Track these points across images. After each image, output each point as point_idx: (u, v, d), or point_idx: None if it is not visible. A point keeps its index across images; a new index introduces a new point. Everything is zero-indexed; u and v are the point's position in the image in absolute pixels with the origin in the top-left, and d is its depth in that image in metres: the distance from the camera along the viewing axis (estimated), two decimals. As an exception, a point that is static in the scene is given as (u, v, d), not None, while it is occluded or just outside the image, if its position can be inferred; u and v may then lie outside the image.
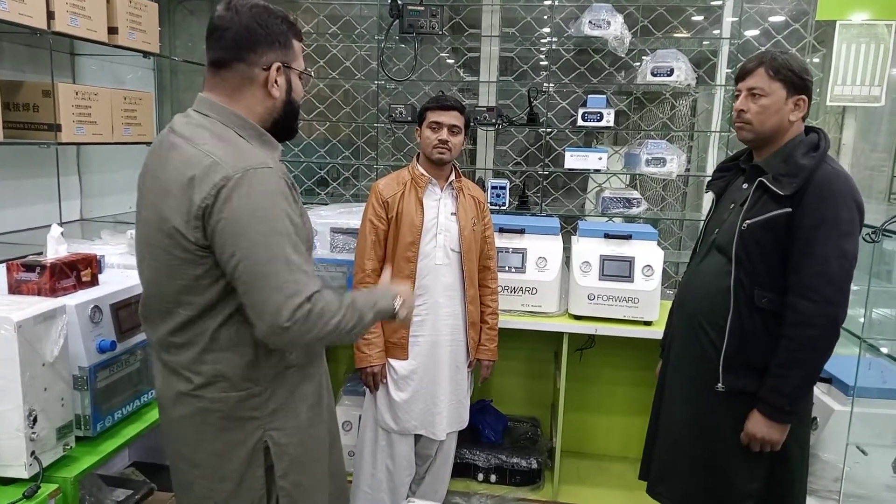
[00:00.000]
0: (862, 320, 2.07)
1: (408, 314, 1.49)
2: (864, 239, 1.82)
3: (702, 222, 1.96)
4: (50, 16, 2.19)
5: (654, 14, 3.24)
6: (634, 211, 3.15)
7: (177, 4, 3.49)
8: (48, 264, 1.60)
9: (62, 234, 1.72)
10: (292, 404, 1.36)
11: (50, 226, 1.74)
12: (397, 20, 3.03)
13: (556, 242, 2.80)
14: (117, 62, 3.01)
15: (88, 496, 1.85)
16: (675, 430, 1.90)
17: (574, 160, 3.12)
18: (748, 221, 1.68)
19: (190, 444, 1.34)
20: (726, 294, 1.72)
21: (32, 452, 1.41)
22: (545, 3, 3.27)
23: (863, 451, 2.12)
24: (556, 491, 2.86)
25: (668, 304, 2.07)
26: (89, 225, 2.87)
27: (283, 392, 1.34)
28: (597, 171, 3.17)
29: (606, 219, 3.28)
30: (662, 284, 2.72)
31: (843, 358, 2.20)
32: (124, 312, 1.71)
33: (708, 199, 3.46)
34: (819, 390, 2.30)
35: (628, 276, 2.68)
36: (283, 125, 1.36)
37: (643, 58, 3.14)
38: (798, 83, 1.67)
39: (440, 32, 3.02)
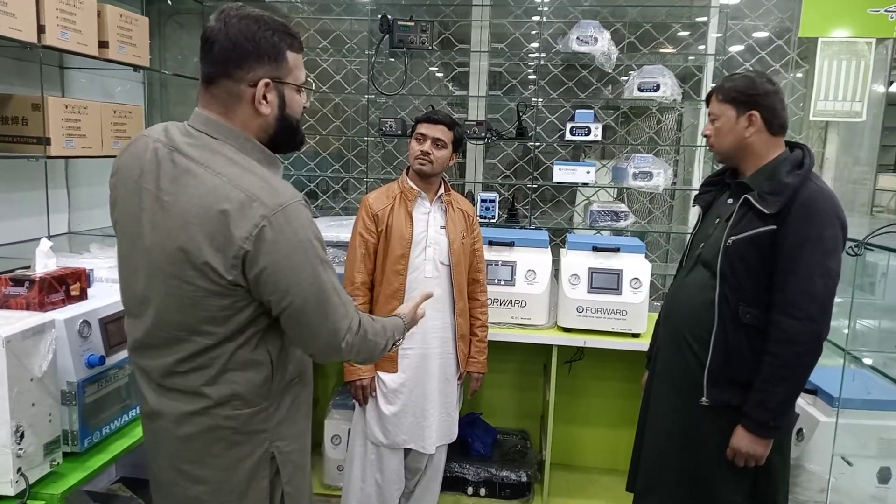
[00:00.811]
0: (846, 332, 2.11)
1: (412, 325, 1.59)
2: (846, 253, 1.85)
3: (689, 235, 1.99)
4: (40, 30, 2.19)
5: (640, 30, 3.30)
6: (622, 224, 3.18)
7: (167, 18, 3.50)
8: (37, 279, 1.59)
9: (51, 248, 1.72)
10: (293, 414, 1.38)
11: (37, 239, 1.73)
12: (387, 35, 3.06)
13: (545, 255, 2.82)
14: (107, 75, 3.01)
15: (75, 513, 1.84)
16: (660, 442, 1.91)
17: (562, 174, 3.15)
18: (733, 238, 1.71)
19: (195, 460, 1.30)
20: (711, 308, 1.74)
21: (19, 469, 1.39)
22: (533, 19, 3.31)
23: (848, 462, 2.15)
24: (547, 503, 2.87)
25: (656, 316, 2.10)
26: (77, 238, 2.85)
27: (287, 404, 1.36)
28: (585, 184, 3.21)
29: (594, 232, 3.30)
30: (650, 297, 2.75)
31: (827, 369, 2.23)
32: (113, 327, 1.71)
33: (695, 212, 3.50)
34: (805, 402, 2.33)
35: (616, 289, 2.70)
36: (280, 141, 1.30)
37: (630, 73, 3.18)
38: (746, 100, 1.71)
39: (430, 48, 3.05)
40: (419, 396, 2.31)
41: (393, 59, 3.30)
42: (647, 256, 2.87)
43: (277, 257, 1.17)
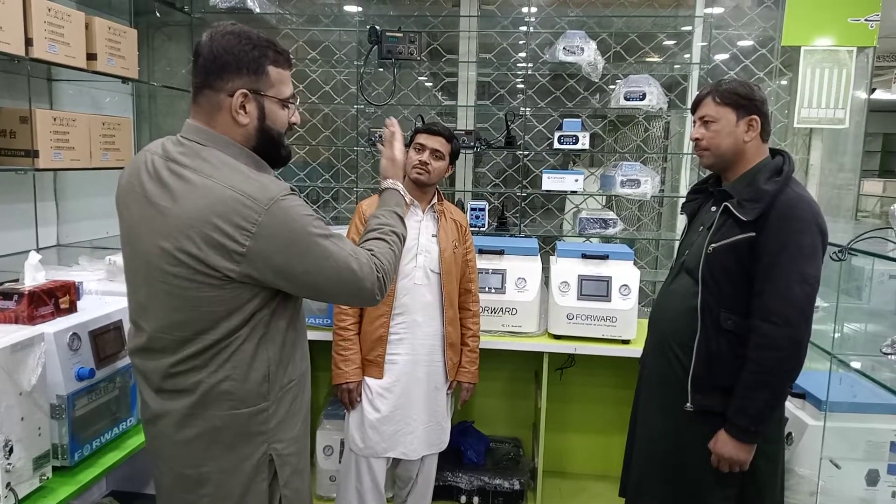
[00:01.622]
0: (833, 336, 2.13)
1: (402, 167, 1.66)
2: (830, 258, 1.88)
3: (676, 242, 2.01)
4: (28, 42, 2.19)
5: (626, 40, 3.34)
6: (611, 231, 3.21)
7: (156, 30, 3.51)
8: (26, 292, 1.58)
9: (40, 261, 1.71)
10: (292, 417, 1.41)
11: (26, 252, 1.73)
12: (376, 46, 3.08)
13: (535, 263, 2.83)
14: (95, 87, 3.01)
15: (64, 527, 1.82)
16: (648, 447, 1.92)
17: (551, 182, 3.17)
18: (713, 245, 1.73)
19: (195, 464, 1.33)
20: (693, 315, 1.76)
21: (8, 484, 1.38)
22: (520, 30, 3.34)
23: (836, 465, 2.17)
24: (539, 511, 2.87)
25: (646, 322, 2.11)
26: (66, 250, 2.84)
27: (286, 406, 1.39)
28: (573, 192, 3.23)
29: (584, 239, 3.33)
30: (639, 303, 2.77)
31: (816, 373, 2.26)
32: (103, 339, 1.70)
33: (683, 219, 3.54)
34: (793, 406, 2.35)
35: (606, 296, 2.72)
36: (263, 153, 1.34)
37: (616, 82, 3.22)
38: (745, 104, 1.73)
39: (418, 58, 3.07)
40: (405, 403, 2.31)
41: (382, 70, 3.32)
42: (635, 263, 2.89)
43: (279, 249, 1.24)
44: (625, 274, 2.74)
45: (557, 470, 3.19)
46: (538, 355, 2.79)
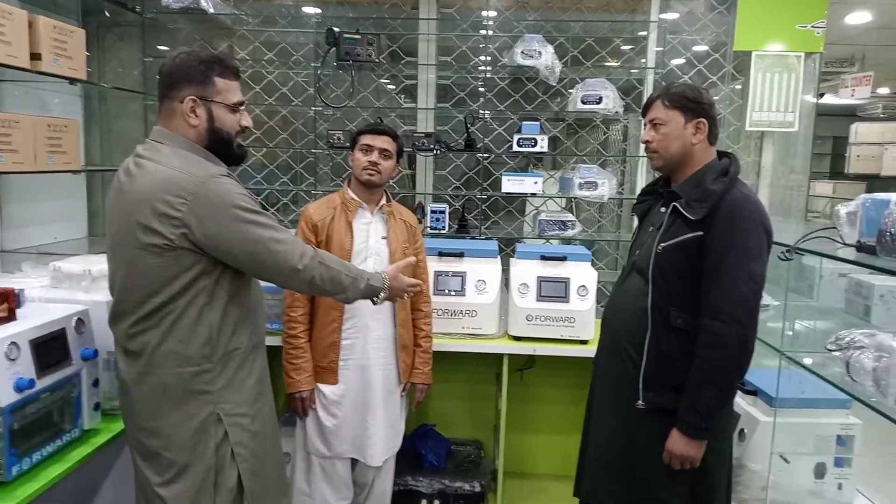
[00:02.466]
0: (786, 333, 2.18)
1: (393, 294, 1.87)
2: (778, 257, 1.93)
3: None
4: (-34, 41, 2.11)
5: (583, 44, 3.38)
6: (570, 233, 3.24)
7: (106, 31, 3.42)
8: (-40, 300, 1.52)
9: (-23, 267, 1.65)
10: (239, 382, 1.62)
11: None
12: (334, 48, 3.05)
13: (495, 265, 2.84)
14: (42, 88, 2.91)
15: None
16: (601, 446, 1.94)
17: (511, 184, 3.19)
18: (662, 244, 1.76)
19: (152, 417, 1.56)
20: (644, 314, 1.78)
21: (-61, 501, 1.33)
22: (480, 33, 3.35)
23: (785, 460, 2.22)
24: (500, 513, 2.87)
25: (604, 322, 2.13)
26: (9, 257, 2.74)
27: (231, 370, 1.61)
28: (533, 194, 3.25)
29: (544, 241, 3.35)
30: (598, 303, 2.80)
31: (767, 371, 2.31)
32: (44, 348, 1.64)
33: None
34: (745, 402, 2.40)
35: (564, 297, 2.74)
36: (216, 152, 1.61)
37: (574, 86, 3.25)
38: (693, 108, 1.77)
39: (377, 60, 3.05)
40: (361, 408, 2.29)
41: (341, 71, 3.29)
42: (593, 264, 2.92)
43: (210, 216, 1.49)
44: (582, 275, 2.77)
45: (518, 471, 3.20)
46: (498, 357, 2.79)
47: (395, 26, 3.35)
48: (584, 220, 3.71)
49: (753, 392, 2.38)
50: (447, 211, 3.26)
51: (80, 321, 1.79)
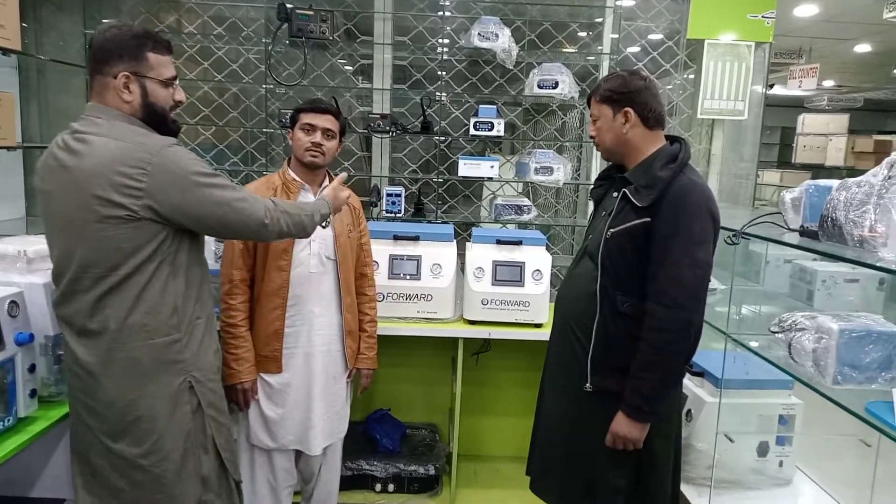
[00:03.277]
0: (733, 317, 2.24)
1: (336, 210, 2.04)
2: (724, 241, 1.96)
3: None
4: None
5: (540, 28, 3.37)
6: (525, 217, 3.25)
7: (43, 0, 3.24)
8: None
9: None
10: (204, 350, 1.68)
11: None
12: (286, 24, 2.96)
13: (451, 249, 2.83)
14: (-28, 59, 2.75)
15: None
16: (550, 428, 1.96)
17: (467, 168, 3.18)
18: (612, 230, 1.77)
19: (125, 393, 1.56)
20: (593, 298, 1.80)
21: None
22: (437, 13, 3.31)
23: (730, 439, 2.29)
24: (454, 495, 2.88)
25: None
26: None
27: (197, 338, 1.66)
28: (489, 178, 3.24)
29: (500, 225, 3.35)
30: (552, 287, 2.82)
31: (714, 353, 2.37)
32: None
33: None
34: (693, 384, 2.46)
35: (519, 281, 2.75)
36: (151, 125, 1.60)
37: (531, 72, 3.25)
38: (618, 98, 1.80)
39: (331, 38, 2.98)
40: (304, 397, 2.22)
41: (295, 49, 3.20)
42: (548, 248, 2.94)
43: (173, 183, 1.51)
44: (537, 259, 2.78)
45: (473, 454, 3.23)
46: (454, 341, 2.80)
47: (350, 3, 3.27)
48: (541, 205, 3.74)
49: (700, 374, 2.45)
50: (403, 194, 3.23)
51: (13, 304, 1.71)
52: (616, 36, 3.43)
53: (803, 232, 1.84)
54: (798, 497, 2.40)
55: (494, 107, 3.17)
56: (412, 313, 2.76)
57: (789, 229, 1.94)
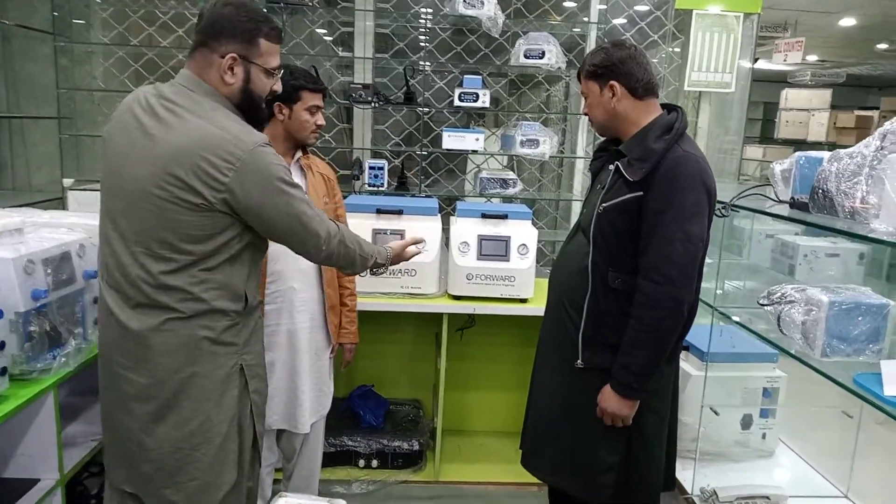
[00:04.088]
0: (717, 291, 2.23)
1: (395, 262, 1.93)
2: (715, 214, 1.93)
3: (575, 202, 2.01)
4: None
5: (527, -4, 3.29)
6: (510, 191, 3.20)
7: (7, -40, 3.09)
8: None
9: None
10: (255, 334, 1.68)
11: None
12: (264, -11, 2.86)
13: (435, 223, 2.78)
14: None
15: None
16: (542, 404, 1.94)
17: (451, 140, 3.11)
18: (604, 204, 1.73)
19: (177, 369, 1.52)
20: (585, 274, 1.76)
21: None
22: (420, -21, 3.22)
23: (715, 412, 2.29)
24: (438, 470, 2.88)
25: (543, 281, 2.11)
26: None
27: (251, 324, 1.65)
28: (474, 151, 3.19)
29: (485, 199, 3.31)
30: (538, 263, 2.79)
31: (700, 327, 2.36)
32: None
33: (580, 179, 3.59)
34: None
35: (505, 255, 2.72)
36: (243, 111, 1.54)
37: (518, 42, 3.17)
38: (602, 73, 1.75)
39: (310, 4, 2.88)
40: (290, 374, 2.18)
41: (272, 15, 3.09)
42: (534, 223, 2.90)
43: (257, 185, 1.46)
44: (523, 233, 2.75)
45: (457, 429, 3.22)
46: (438, 317, 2.76)
47: (330, -31, 3.17)
48: (525, 179, 3.69)
49: (686, 347, 2.44)
50: (386, 167, 3.16)
51: (-22, 279, 1.63)
52: (604, 7, 3.36)
53: (793, 204, 1.81)
54: (780, 468, 2.43)
55: (479, 77, 3.09)
56: (396, 288, 2.72)
57: (779, 201, 1.91)
